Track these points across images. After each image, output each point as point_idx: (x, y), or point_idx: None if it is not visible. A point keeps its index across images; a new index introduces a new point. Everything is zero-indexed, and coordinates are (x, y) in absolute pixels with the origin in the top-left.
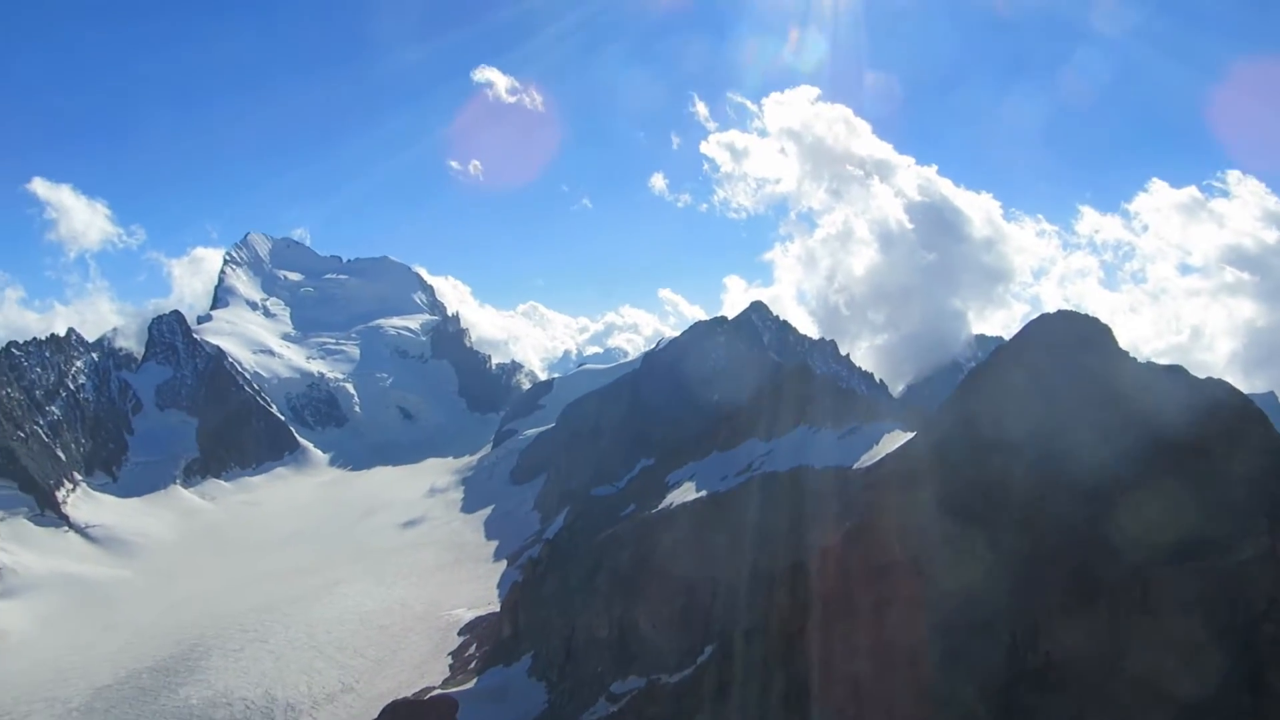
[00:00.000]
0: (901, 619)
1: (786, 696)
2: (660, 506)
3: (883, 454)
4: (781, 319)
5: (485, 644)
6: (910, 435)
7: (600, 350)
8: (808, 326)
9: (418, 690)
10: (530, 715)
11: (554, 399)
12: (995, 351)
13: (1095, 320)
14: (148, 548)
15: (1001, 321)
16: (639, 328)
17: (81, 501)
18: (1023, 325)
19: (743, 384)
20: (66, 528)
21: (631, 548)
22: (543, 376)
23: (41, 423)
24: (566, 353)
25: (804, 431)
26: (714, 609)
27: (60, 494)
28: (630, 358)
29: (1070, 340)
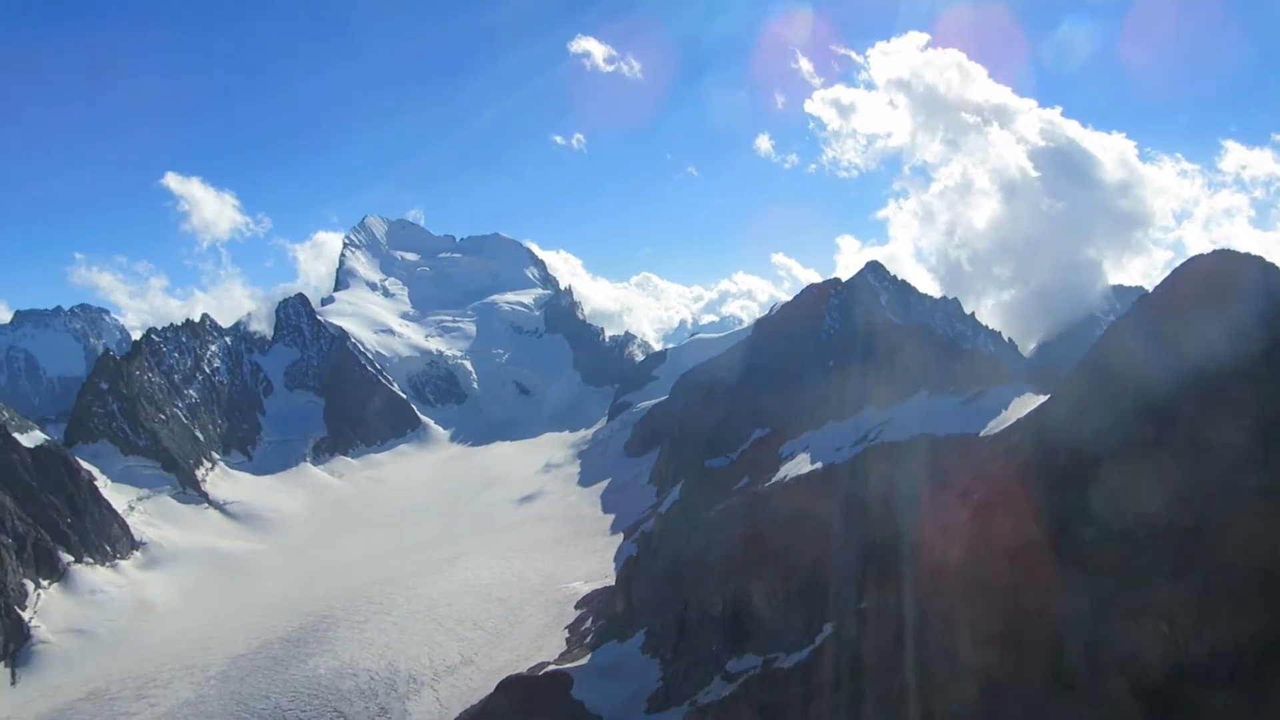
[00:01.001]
0: (1037, 604)
1: (908, 685)
2: (774, 479)
3: (1013, 419)
4: (899, 278)
5: (601, 618)
6: (1044, 399)
7: (716, 319)
8: (928, 285)
9: (533, 665)
10: (644, 693)
11: (668, 370)
12: (1137, 302)
13: (1257, 259)
14: (280, 523)
15: (1141, 270)
16: (754, 294)
17: (220, 479)
18: (1167, 271)
19: (859, 348)
20: (206, 504)
21: (744, 522)
22: (657, 347)
23: (181, 405)
24: (682, 322)
25: (925, 397)
26: (831, 587)
27: (200, 472)
28: (744, 325)
29: (1226, 283)
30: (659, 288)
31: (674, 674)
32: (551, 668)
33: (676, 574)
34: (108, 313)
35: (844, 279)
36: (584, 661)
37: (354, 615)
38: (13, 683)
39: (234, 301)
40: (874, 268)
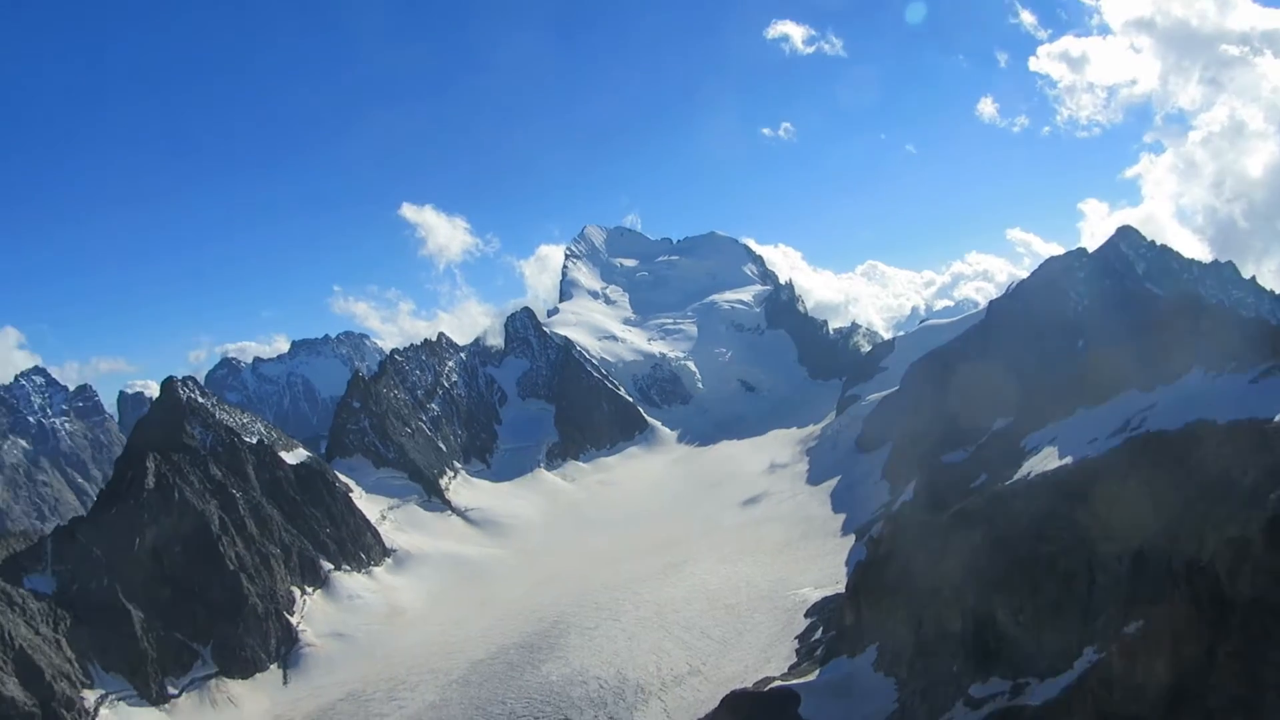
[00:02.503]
0: None
1: None
2: (1016, 476)
3: None
4: (1158, 243)
5: (831, 629)
6: None
7: (950, 303)
8: (1194, 248)
9: (759, 679)
10: (877, 715)
11: (897, 359)
12: None
13: None
14: (517, 528)
15: None
16: (990, 274)
17: (461, 487)
18: None
19: (1113, 325)
20: (449, 512)
21: (983, 526)
22: (886, 336)
23: (424, 419)
24: (914, 309)
25: (1199, 377)
26: (1091, 603)
27: (443, 481)
28: (980, 308)
29: None
30: (886, 275)
31: (910, 696)
32: (778, 683)
33: (909, 583)
34: (368, 337)
35: (1091, 249)
36: (812, 678)
37: (584, 621)
38: (284, 683)
39: (471, 319)
40: (1127, 233)
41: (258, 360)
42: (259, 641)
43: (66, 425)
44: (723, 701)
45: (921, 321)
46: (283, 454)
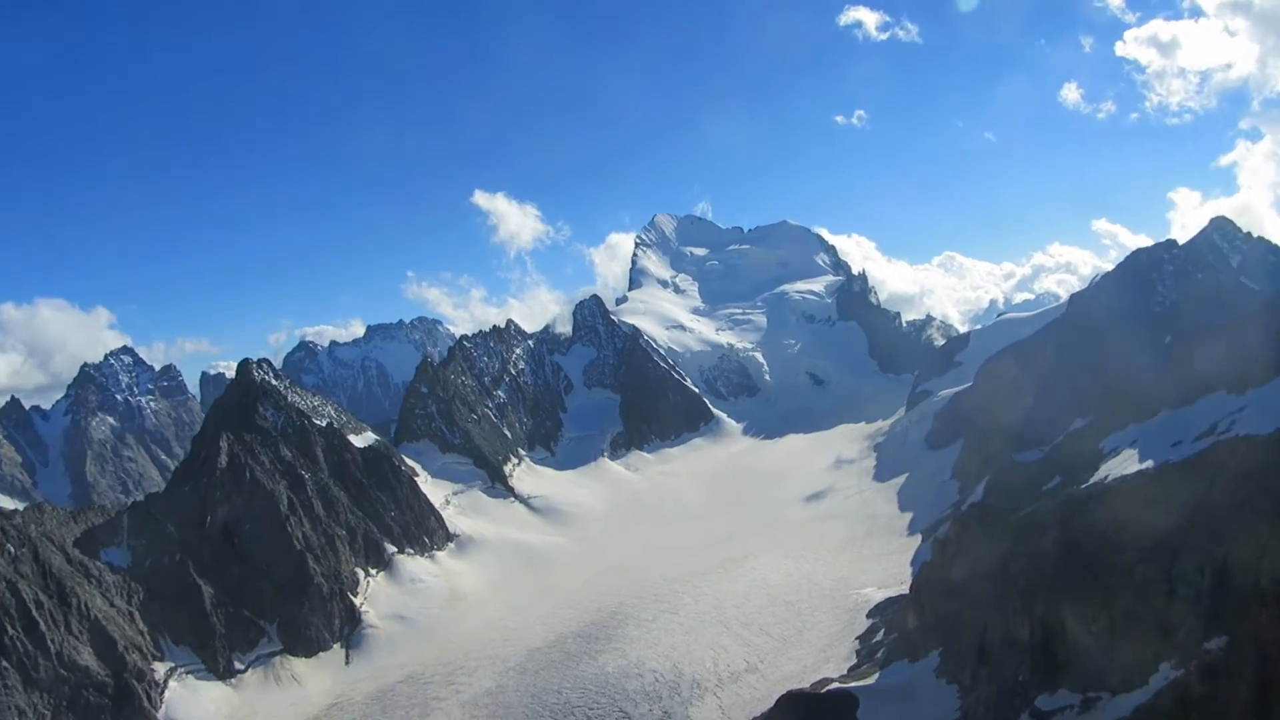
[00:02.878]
0: None
1: None
2: (1092, 480)
3: None
4: (1255, 235)
5: (893, 631)
6: None
7: (1030, 296)
8: None
9: (817, 679)
10: None
11: (971, 354)
12: None
13: None
14: (580, 516)
15: None
16: (1073, 266)
17: (525, 474)
18: None
19: (1203, 322)
20: (513, 498)
21: (1056, 530)
22: (962, 330)
23: (490, 405)
24: (992, 302)
25: None
26: (1170, 616)
27: (508, 468)
28: (1062, 302)
29: None
30: (963, 267)
31: (972, 705)
32: (836, 685)
33: (976, 587)
34: (440, 323)
35: (1181, 240)
36: (871, 681)
37: (642, 613)
38: (346, 663)
39: (541, 306)
40: (1221, 224)
41: (334, 344)
42: (323, 621)
43: (152, 404)
44: (778, 701)
45: (999, 315)
46: (351, 437)
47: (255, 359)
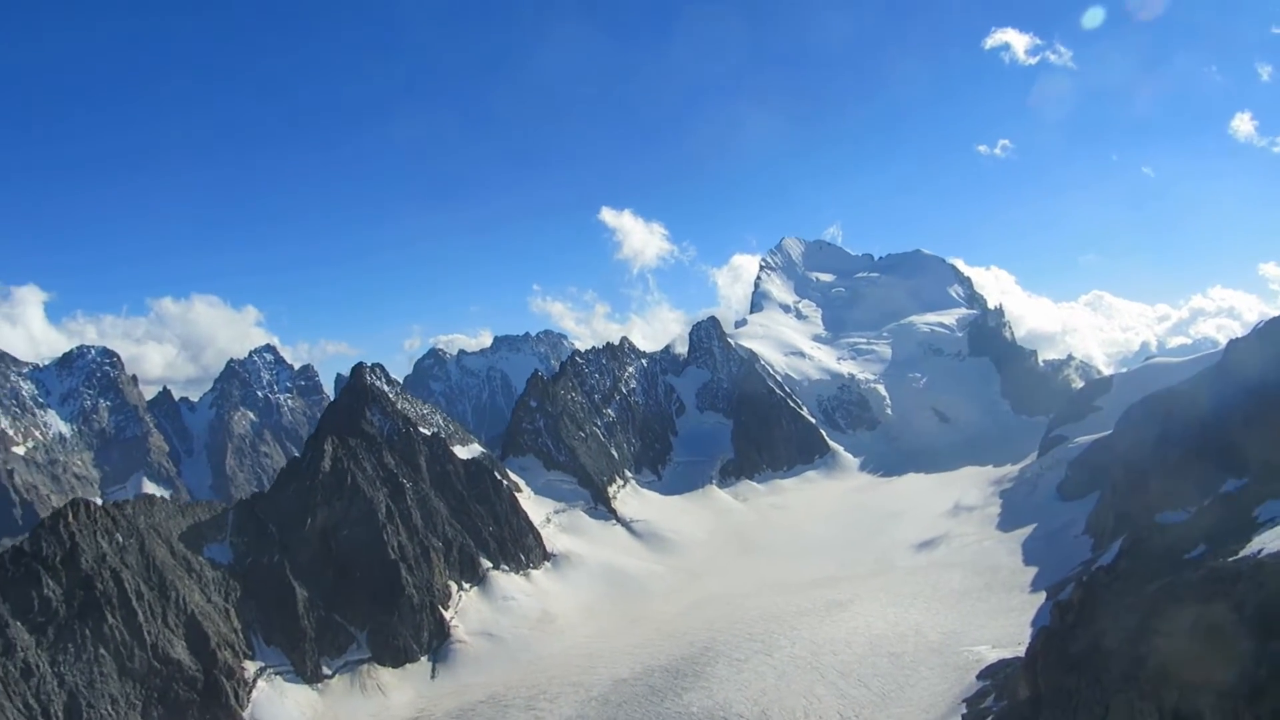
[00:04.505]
0: None
1: None
2: (1244, 551)
3: None
4: None
5: (1004, 698)
6: None
7: (1187, 341)
8: None
9: None
10: None
11: (1114, 399)
12: None
13: None
14: (681, 544)
15: None
16: (1236, 312)
17: (629, 497)
18: None
19: None
20: (614, 521)
21: (1198, 607)
22: (1105, 372)
23: (599, 424)
24: (1144, 345)
25: None
26: None
27: (612, 489)
28: (1219, 348)
29: None
30: (1113, 307)
31: None
32: None
33: (1100, 661)
34: (565, 337)
35: None
36: None
37: (735, 651)
38: (432, 676)
39: (662, 325)
40: None
41: (462, 352)
42: (412, 632)
43: (289, 402)
44: None
45: (1148, 359)
46: (456, 448)
47: (370, 364)
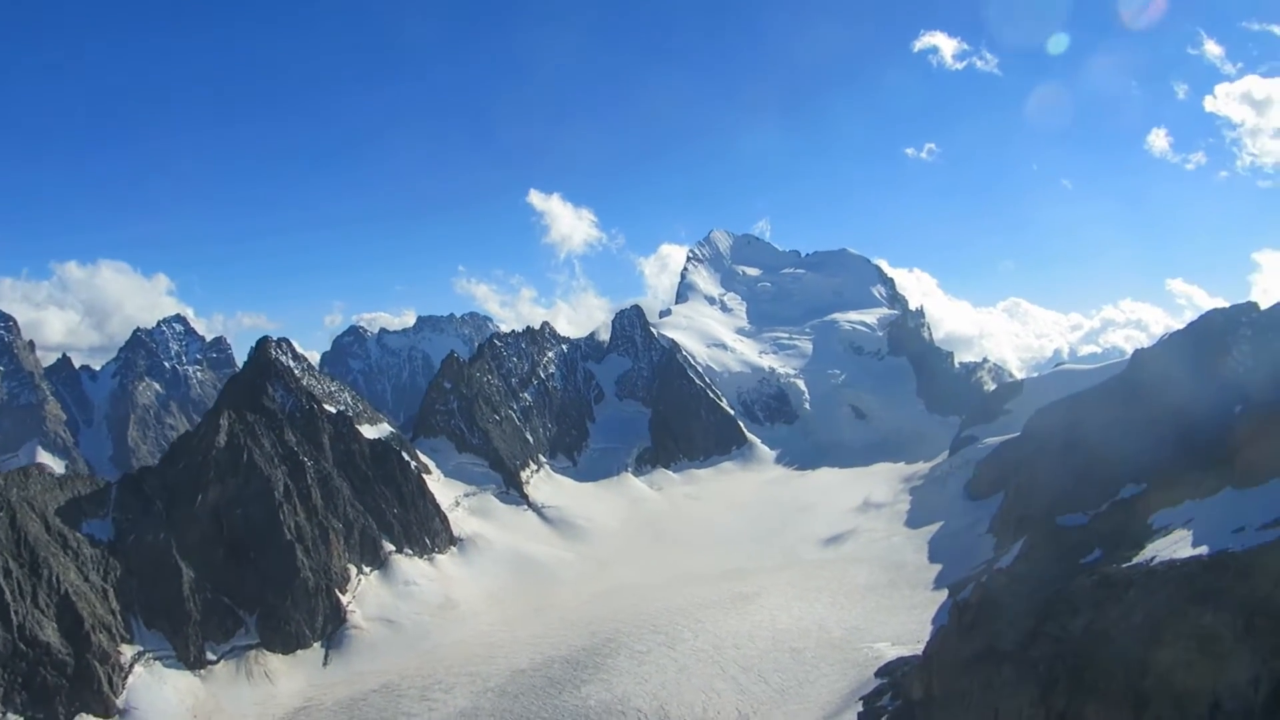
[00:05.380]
0: None
1: None
2: (1136, 559)
3: None
4: None
5: (900, 697)
6: None
7: (1097, 349)
8: None
9: None
10: None
11: (1023, 403)
12: None
13: None
14: (592, 532)
15: None
16: (1144, 324)
17: (542, 482)
18: None
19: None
20: (525, 506)
21: (1087, 615)
22: (1018, 376)
23: (515, 408)
24: (1056, 352)
25: None
26: None
27: (525, 474)
28: (1126, 358)
29: None
30: (1029, 314)
31: None
32: None
33: (992, 666)
34: (490, 320)
35: (1265, 305)
36: None
37: (637, 643)
38: (324, 664)
39: (588, 312)
40: None
41: (383, 331)
42: (305, 617)
43: (198, 374)
44: None
45: (1058, 365)
46: (364, 427)
47: (277, 338)
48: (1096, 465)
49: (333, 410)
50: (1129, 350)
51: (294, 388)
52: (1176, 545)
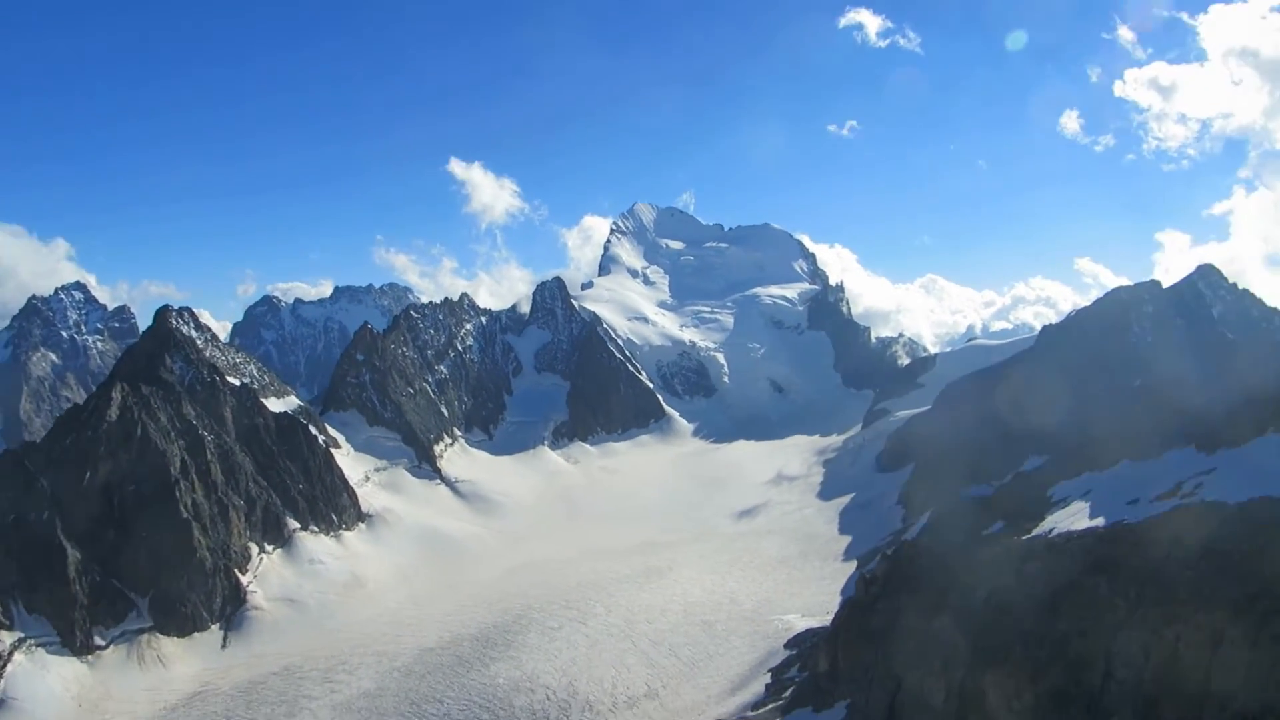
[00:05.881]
0: None
1: None
2: (1036, 530)
3: None
4: (1240, 287)
5: (807, 669)
6: None
7: (1008, 325)
8: None
9: (721, 713)
10: None
11: (935, 377)
12: None
13: None
14: (507, 506)
15: None
16: (1053, 301)
17: (457, 456)
18: None
19: (1179, 370)
20: (438, 480)
21: (988, 586)
22: (932, 351)
23: (430, 381)
24: (969, 328)
25: (1275, 442)
26: (1103, 702)
27: (439, 448)
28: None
29: None
30: (945, 290)
31: None
32: None
33: (896, 638)
34: (410, 291)
35: (1166, 284)
36: None
37: (549, 619)
38: (222, 646)
39: (510, 284)
40: (1207, 272)
41: (299, 301)
42: (202, 599)
43: (99, 344)
44: None
45: (970, 340)
46: (270, 400)
47: (177, 307)
48: (1002, 439)
49: (236, 383)
50: (1038, 327)
51: (195, 359)
52: (1074, 517)
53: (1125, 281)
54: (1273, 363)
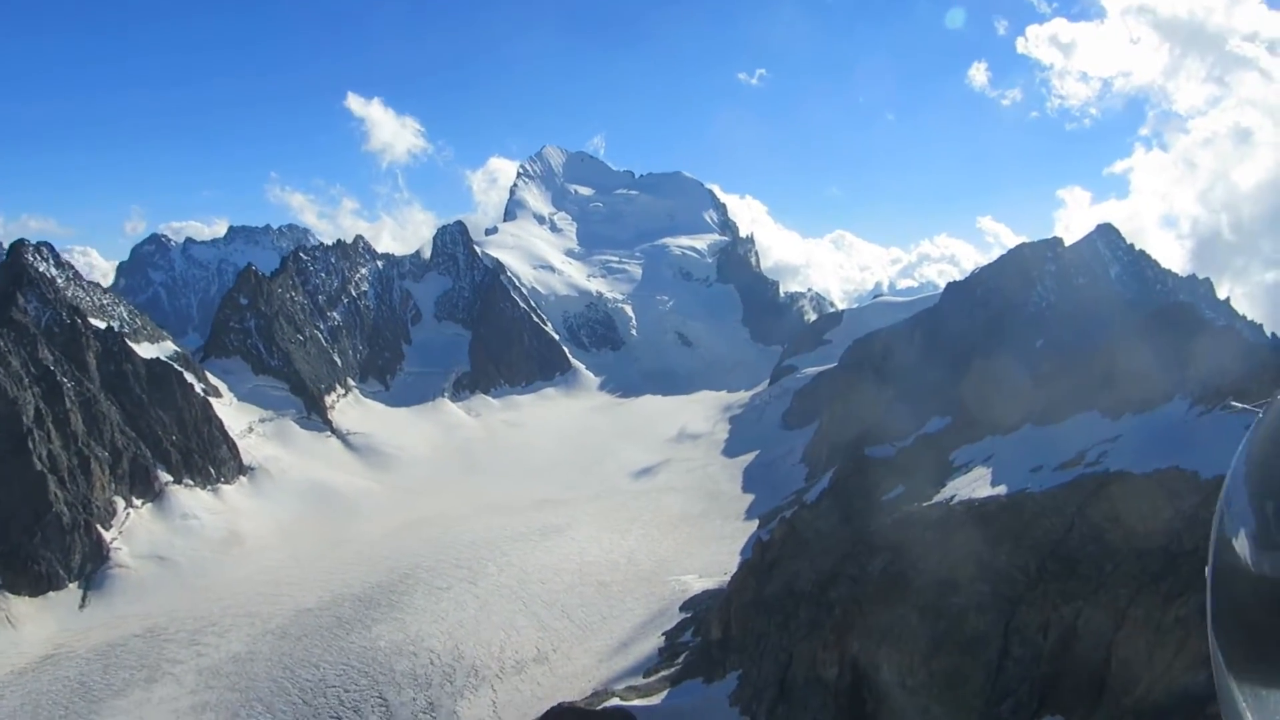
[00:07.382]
0: None
1: None
2: (936, 497)
3: None
4: (1137, 247)
5: (701, 634)
6: None
7: (914, 283)
8: (1175, 259)
9: (606, 681)
10: None
11: (842, 333)
12: None
13: None
14: (401, 460)
15: None
16: (956, 259)
17: (350, 407)
18: None
19: (1082, 331)
20: (329, 433)
21: (884, 555)
22: (839, 307)
23: (322, 328)
24: (877, 284)
25: (1181, 409)
26: (1000, 680)
27: (330, 399)
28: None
29: None
30: (854, 247)
31: None
32: (614, 702)
33: (790, 607)
34: (310, 232)
35: (1068, 241)
36: (655, 700)
37: (437, 579)
38: (81, 606)
39: (414, 228)
40: (1106, 231)
41: (189, 241)
42: (59, 556)
43: None
44: (546, 715)
45: (876, 297)
46: (143, 345)
47: (35, 242)
48: (906, 397)
49: (101, 325)
50: (942, 285)
51: (53, 299)
52: (976, 484)
53: (1027, 240)
54: (1183, 327)
